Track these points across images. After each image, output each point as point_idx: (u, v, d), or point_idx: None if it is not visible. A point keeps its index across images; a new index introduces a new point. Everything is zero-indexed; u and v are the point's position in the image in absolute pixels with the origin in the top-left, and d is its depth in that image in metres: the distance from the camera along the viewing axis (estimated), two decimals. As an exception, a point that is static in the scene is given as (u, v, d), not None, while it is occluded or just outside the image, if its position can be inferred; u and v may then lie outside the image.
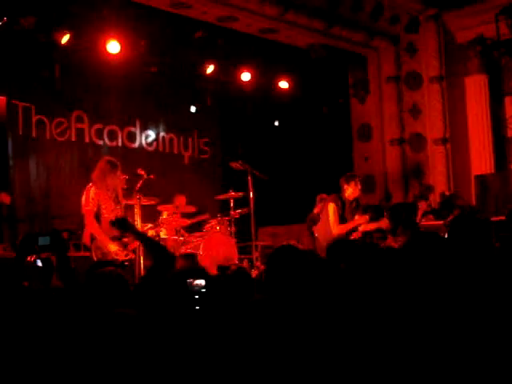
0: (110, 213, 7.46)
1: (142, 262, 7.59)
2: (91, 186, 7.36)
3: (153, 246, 4.11)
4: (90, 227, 7.25)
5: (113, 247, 7.09)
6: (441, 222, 9.80)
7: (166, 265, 3.85)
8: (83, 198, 7.36)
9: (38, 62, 10.47)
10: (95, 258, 7.22)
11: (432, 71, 13.55)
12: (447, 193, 12.60)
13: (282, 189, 13.21)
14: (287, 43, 12.85)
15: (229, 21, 11.50)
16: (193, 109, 12.81)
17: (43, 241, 3.88)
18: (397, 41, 13.76)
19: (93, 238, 7.37)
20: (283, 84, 13.04)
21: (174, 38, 11.49)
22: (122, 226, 4.29)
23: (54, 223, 10.45)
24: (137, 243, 7.48)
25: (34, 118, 11.15)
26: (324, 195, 10.52)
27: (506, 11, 12.22)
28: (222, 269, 8.01)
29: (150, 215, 9.39)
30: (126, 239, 7.51)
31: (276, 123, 14.03)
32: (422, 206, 11.52)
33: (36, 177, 11.06)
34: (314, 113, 14.08)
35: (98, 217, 7.30)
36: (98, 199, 7.32)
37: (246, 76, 12.42)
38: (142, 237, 4.24)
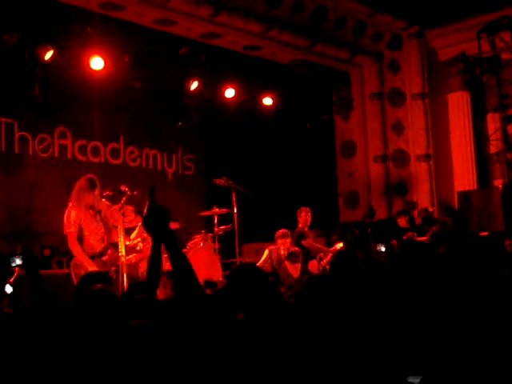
0: (91, 231, 7.45)
1: (124, 279, 7.52)
2: (72, 207, 7.36)
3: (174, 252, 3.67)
4: (72, 249, 7.27)
5: (91, 267, 7.07)
6: (424, 238, 9.84)
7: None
8: (64, 219, 7.36)
9: (21, 78, 10.42)
10: (73, 276, 7.21)
11: (415, 88, 13.63)
12: (431, 209, 12.65)
13: (266, 205, 13.20)
14: (271, 60, 12.89)
15: (213, 37, 11.52)
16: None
17: (17, 261, 3.83)
18: (380, 58, 13.84)
19: (71, 256, 7.38)
20: (267, 100, 13.08)
21: (157, 54, 11.50)
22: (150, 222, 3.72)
23: (36, 240, 10.38)
24: (118, 261, 7.46)
25: (17, 134, 11.10)
26: (305, 208, 10.61)
27: (488, 29, 12.35)
28: (209, 284, 8.01)
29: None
30: (105, 257, 7.49)
31: (260, 139, 14.04)
32: (401, 222, 11.57)
33: (19, 193, 10.99)
34: (298, 129, 14.12)
35: (79, 237, 7.31)
36: (78, 220, 7.33)
37: (230, 92, 12.45)
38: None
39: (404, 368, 2.23)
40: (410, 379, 2.25)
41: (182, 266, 3.15)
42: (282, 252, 9.74)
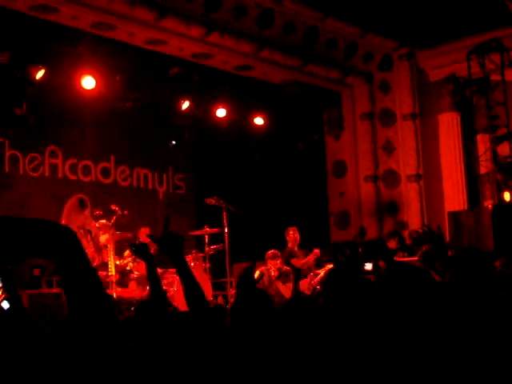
0: None
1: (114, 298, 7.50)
2: None
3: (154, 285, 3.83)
4: None
5: None
6: (415, 258, 9.83)
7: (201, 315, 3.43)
8: None
9: (12, 97, 10.41)
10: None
11: (405, 108, 13.71)
12: (420, 231, 12.66)
13: (257, 225, 13.19)
14: (262, 79, 12.94)
15: (204, 57, 11.56)
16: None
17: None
18: (370, 78, 13.92)
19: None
20: (258, 120, 13.11)
21: (149, 74, 11.53)
22: (140, 251, 3.93)
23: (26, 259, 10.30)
24: (109, 279, 7.44)
25: (8, 153, 11.07)
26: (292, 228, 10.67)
27: (477, 50, 12.44)
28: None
29: (123, 251, 9.30)
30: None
31: (251, 159, 14.06)
32: (391, 244, 11.57)
33: (9, 212, 10.93)
34: (288, 149, 14.15)
35: None
36: None
37: (221, 112, 12.47)
38: (152, 266, 3.88)
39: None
40: None
41: (195, 292, 3.24)
42: (273, 273, 9.76)
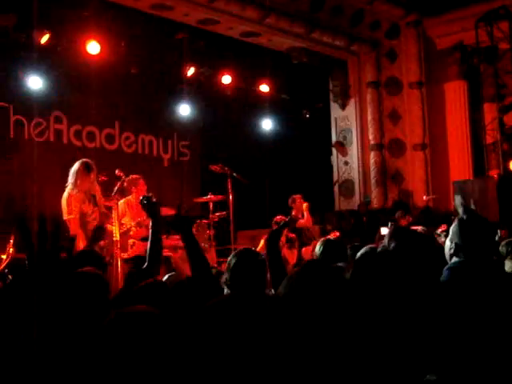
0: (89, 216, 7.45)
1: (119, 266, 7.50)
2: (70, 193, 7.35)
3: (155, 245, 3.94)
4: (75, 234, 7.26)
5: None
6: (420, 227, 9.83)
7: (155, 269, 3.84)
8: (64, 205, 7.35)
9: (16, 62, 10.35)
10: None
11: (412, 77, 13.63)
12: (425, 198, 12.66)
13: (261, 192, 13.19)
14: (268, 47, 12.85)
15: (210, 24, 11.47)
16: (185, 110, 12.72)
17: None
18: (377, 46, 13.82)
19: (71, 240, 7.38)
20: (264, 87, 13.02)
21: (154, 39, 11.44)
22: (150, 207, 3.99)
23: (31, 224, 10.32)
24: (114, 249, 7.45)
25: (12, 119, 11.03)
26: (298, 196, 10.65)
27: (486, 18, 12.32)
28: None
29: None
30: (102, 242, 7.48)
31: (256, 127, 14.02)
32: (403, 223, 11.51)
33: (14, 177, 10.94)
34: (294, 117, 14.09)
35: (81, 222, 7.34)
36: (79, 205, 7.32)
37: (226, 79, 12.39)
38: (156, 230, 4.01)
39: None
40: None
41: (202, 268, 3.64)
42: (281, 239, 9.77)
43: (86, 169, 7.41)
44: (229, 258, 3.84)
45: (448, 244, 3.25)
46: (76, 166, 7.50)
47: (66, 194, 7.39)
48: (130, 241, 8.41)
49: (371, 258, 2.47)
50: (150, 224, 4.03)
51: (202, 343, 1.55)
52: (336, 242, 5.23)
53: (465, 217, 3.45)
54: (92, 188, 7.50)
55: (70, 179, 7.42)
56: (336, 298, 2.09)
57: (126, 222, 8.41)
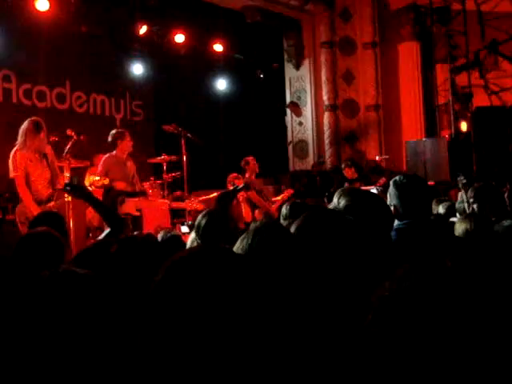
0: (38, 176, 7.35)
1: (71, 225, 7.43)
2: (17, 150, 7.24)
3: (106, 212, 4.05)
4: (20, 192, 7.18)
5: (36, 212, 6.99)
6: (371, 187, 9.95)
7: (118, 229, 3.86)
8: (10, 163, 7.25)
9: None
10: (18, 222, 7.17)
11: (366, 37, 13.63)
12: (378, 159, 12.78)
13: (215, 153, 13.15)
14: (222, 6, 12.69)
15: (162, -20, 11.27)
16: (138, 69, 12.58)
17: None
18: (331, 6, 13.76)
19: (18, 202, 7.31)
20: (218, 47, 12.90)
21: (105, -4, 11.21)
22: (75, 190, 4.08)
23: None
24: (62, 208, 7.37)
25: (-41, 77, 10.76)
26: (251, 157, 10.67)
27: (439, -21, 12.36)
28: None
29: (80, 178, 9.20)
30: (50, 204, 7.39)
31: (210, 86, 13.91)
32: (348, 173, 11.67)
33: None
34: (248, 77, 14.01)
35: (26, 182, 7.22)
36: (24, 163, 7.21)
37: (180, 38, 12.23)
38: (95, 203, 4.05)
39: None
40: None
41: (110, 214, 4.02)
42: (241, 198, 9.83)
43: (35, 127, 7.28)
44: (198, 219, 3.92)
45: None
46: (25, 124, 7.36)
47: (12, 152, 7.28)
48: (120, 198, 8.38)
49: (320, 213, 2.47)
50: (85, 201, 4.23)
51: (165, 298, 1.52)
52: (301, 204, 5.25)
53: (399, 178, 3.50)
54: (42, 147, 7.38)
55: (19, 138, 7.30)
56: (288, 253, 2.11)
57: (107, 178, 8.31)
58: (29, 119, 7.44)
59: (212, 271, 1.51)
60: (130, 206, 8.33)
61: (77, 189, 4.09)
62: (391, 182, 3.52)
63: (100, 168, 8.63)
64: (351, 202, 3.05)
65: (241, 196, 9.86)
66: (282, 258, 2.10)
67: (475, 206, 4.84)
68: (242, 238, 2.22)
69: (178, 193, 10.40)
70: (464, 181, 4.99)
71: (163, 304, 1.50)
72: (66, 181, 4.18)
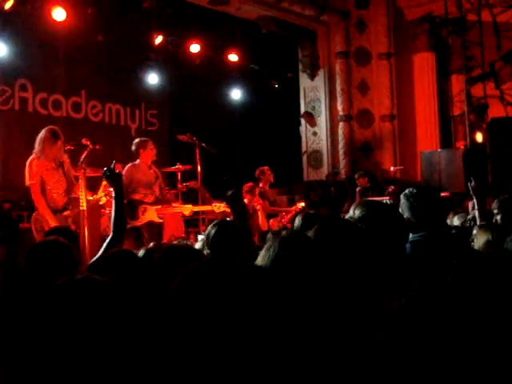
0: (54, 185, 7.38)
1: (86, 234, 7.45)
2: (34, 159, 7.28)
3: (119, 216, 4.01)
4: (35, 200, 7.22)
5: (53, 222, 7.02)
6: (383, 198, 9.93)
7: (120, 238, 3.90)
8: (26, 171, 7.29)
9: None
10: (34, 230, 7.20)
11: (381, 48, 13.62)
12: (393, 169, 12.74)
13: (230, 162, 13.16)
14: (237, 16, 12.73)
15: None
16: (153, 79, 12.66)
17: None
18: (347, 16, 13.76)
19: (33, 210, 7.34)
20: (233, 57, 12.93)
21: (121, 6, 11.27)
22: (113, 178, 4.03)
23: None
24: (77, 217, 7.40)
25: (-24, 86, 10.85)
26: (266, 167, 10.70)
27: (455, -11, 12.32)
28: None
29: (95, 187, 9.23)
30: (66, 213, 7.42)
31: (225, 96, 13.95)
32: (361, 183, 11.67)
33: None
34: (263, 87, 14.02)
35: (42, 190, 7.26)
36: (41, 172, 7.25)
37: (195, 48, 12.27)
38: (119, 200, 4.02)
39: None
40: None
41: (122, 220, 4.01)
42: (258, 206, 9.86)
43: (52, 136, 7.32)
44: (208, 228, 3.92)
45: None
46: (42, 133, 7.40)
47: (29, 161, 7.32)
48: (142, 207, 8.43)
49: (333, 223, 2.47)
50: (113, 194, 4.09)
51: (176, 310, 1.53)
52: (314, 215, 5.24)
53: (409, 190, 3.48)
54: (59, 156, 7.41)
55: (37, 147, 7.34)
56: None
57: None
58: (46, 128, 7.48)
59: (221, 283, 1.52)
60: (152, 214, 8.39)
61: (115, 176, 4.06)
62: (401, 195, 3.51)
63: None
64: (366, 213, 3.05)
65: (258, 205, 9.88)
66: (308, 267, 2.11)
67: (499, 217, 4.81)
68: (267, 247, 2.23)
69: (192, 182, 10.32)
70: (473, 185, 4.96)
71: (176, 312, 1.52)
72: (107, 167, 4.09)
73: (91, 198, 7.95)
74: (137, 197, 8.45)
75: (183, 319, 1.50)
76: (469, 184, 5.08)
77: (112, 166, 4.08)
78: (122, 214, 4.03)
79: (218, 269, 1.57)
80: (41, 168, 7.27)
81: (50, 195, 7.37)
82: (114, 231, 3.90)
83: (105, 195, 8.13)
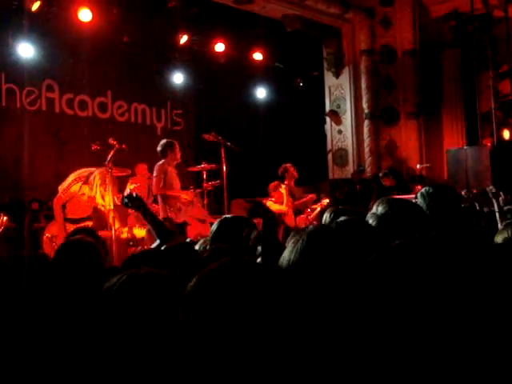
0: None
1: (113, 235, 7.55)
2: (81, 182, 7.63)
3: (156, 224, 4.25)
4: (55, 210, 7.62)
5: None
6: (410, 196, 9.87)
7: (166, 240, 4.04)
8: (66, 182, 7.62)
9: (7, 29, 10.25)
10: (44, 235, 7.63)
11: (406, 45, 13.53)
12: (419, 167, 12.67)
13: (255, 161, 13.17)
14: (262, 14, 12.74)
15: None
16: (178, 78, 12.78)
17: None
18: (372, 14, 13.70)
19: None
20: (258, 56, 12.95)
21: (146, 7, 11.33)
22: (134, 203, 4.25)
23: (24, 193, 10.33)
24: (109, 218, 7.52)
25: (4, 87, 10.97)
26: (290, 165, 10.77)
27: (481, -15, 12.21)
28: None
29: (121, 186, 9.31)
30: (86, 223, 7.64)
31: (250, 94, 13.97)
32: (386, 182, 11.63)
33: (6, 146, 10.90)
34: (288, 85, 14.02)
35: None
36: (73, 193, 7.64)
37: (220, 47, 12.31)
38: (148, 215, 4.25)
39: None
40: None
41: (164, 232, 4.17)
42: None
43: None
44: (214, 224, 3.96)
45: None
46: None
47: (76, 178, 7.76)
48: (177, 205, 8.55)
49: (357, 219, 2.47)
50: (142, 215, 4.42)
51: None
52: (344, 210, 5.23)
53: (426, 189, 3.47)
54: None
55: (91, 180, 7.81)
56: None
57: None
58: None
59: (237, 285, 1.53)
60: (185, 215, 8.50)
61: (135, 201, 4.23)
62: (418, 194, 3.50)
63: (157, 173, 8.69)
64: (389, 210, 3.05)
65: (289, 202, 10.02)
66: (336, 260, 2.11)
67: None
68: (293, 241, 2.23)
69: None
70: (493, 190, 4.92)
71: (191, 310, 1.54)
72: (125, 194, 4.30)
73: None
74: (178, 194, 8.59)
75: (198, 321, 1.51)
76: (487, 189, 5.04)
77: (129, 192, 4.31)
78: (157, 223, 4.26)
79: (234, 271, 1.58)
80: (75, 191, 7.83)
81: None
82: (159, 237, 4.11)
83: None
